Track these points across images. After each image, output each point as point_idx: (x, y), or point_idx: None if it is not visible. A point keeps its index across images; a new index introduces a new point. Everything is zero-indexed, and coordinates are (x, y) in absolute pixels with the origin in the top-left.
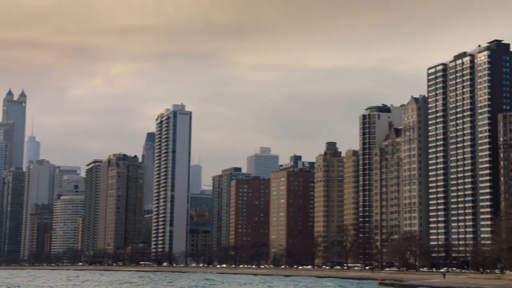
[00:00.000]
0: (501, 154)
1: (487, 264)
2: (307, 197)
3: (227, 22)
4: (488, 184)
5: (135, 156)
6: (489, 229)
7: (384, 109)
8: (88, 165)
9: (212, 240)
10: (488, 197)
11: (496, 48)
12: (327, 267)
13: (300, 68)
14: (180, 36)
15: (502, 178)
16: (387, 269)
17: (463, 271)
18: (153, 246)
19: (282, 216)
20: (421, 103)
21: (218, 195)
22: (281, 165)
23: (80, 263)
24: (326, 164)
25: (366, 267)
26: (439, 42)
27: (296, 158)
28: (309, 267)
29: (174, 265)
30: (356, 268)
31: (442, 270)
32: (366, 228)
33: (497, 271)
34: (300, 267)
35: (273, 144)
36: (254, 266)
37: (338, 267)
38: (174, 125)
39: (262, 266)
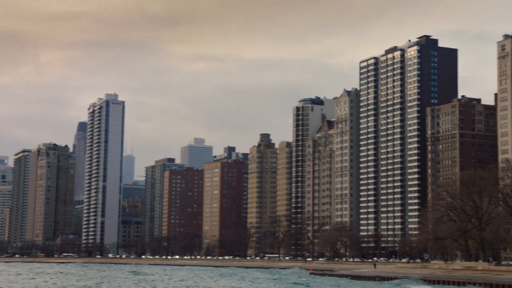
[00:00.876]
0: (429, 147)
1: (414, 254)
2: (241, 188)
3: (162, 11)
4: (416, 176)
5: (66, 146)
6: (416, 220)
7: (317, 101)
8: (16, 154)
9: (145, 231)
10: (415, 188)
11: (425, 43)
12: (260, 258)
13: (235, 60)
14: (113, 24)
15: (429, 170)
16: (320, 259)
17: (390, 260)
18: (83, 238)
19: (215, 207)
20: (353, 96)
21: (151, 186)
22: (215, 156)
23: (6, 255)
24: (259, 156)
25: (299, 258)
26: (372, 36)
27: (230, 149)
28: (242, 257)
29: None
30: (288, 258)
31: (370, 260)
32: (298, 219)
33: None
34: (232, 258)
35: (207, 135)
36: (187, 257)
37: (270, 257)
38: (106, 115)
39: (196, 257)
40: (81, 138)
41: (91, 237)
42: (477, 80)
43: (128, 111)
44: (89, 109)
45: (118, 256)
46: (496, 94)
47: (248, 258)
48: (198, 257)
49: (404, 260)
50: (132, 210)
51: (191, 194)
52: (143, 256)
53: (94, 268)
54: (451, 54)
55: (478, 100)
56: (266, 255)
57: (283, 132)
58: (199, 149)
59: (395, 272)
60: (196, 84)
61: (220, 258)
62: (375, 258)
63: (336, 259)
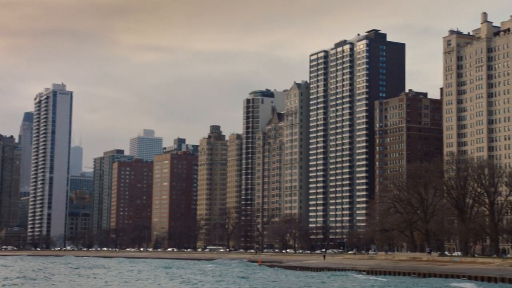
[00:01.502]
0: (377, 140)
1: (361, 245)
2: (191, 180)
3: (111, 1)
4: (364, 168)
5: (11, 136)
6: (364, 211)
7: (268, 93)
8: None
9: (93, 223)
10: (363, 181)
11: (374, 38)
12: (209, 250)
13: (184, 50)
14: (61, 13)
15: (377, 163)
16: (271, 250)
17: (339, 251)
18: (29, 230)
19: (165, 199)
20: (303, 88)
21: (99, 177)
22: (165, 148)
23: None
24: (209, 147)
25: (250, 250)
26: (322, 29)
27: (180, 141)
28: (191, 249)
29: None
30: (241, 250)
31: (319, 252)
32: (248, 211)
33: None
34: (182, 250)
35: (157, 127)
36: (135, 249)
37: (211, 249)
38: (53, 105)
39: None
40: (27, 128)
41: (37, 229)
42: (424, 75)
43: (76, 102)
44: (35, 99)
45: (64, 248)
46: (441, 89)
47: (197, 250)
48: (147, 249)
49: (351, 252)
50: (80, 202)
51: (140, 186)
52: (91, 249)
53: (29, 261)
54: (399, 49)
55: (425, 94)
56: (208, 247)
57: (233, 124)
58: (148, 141)
59: (343, 263)
60: (145, 74)
61: (169, 250)
62: (324, 250)
63: (285, 250)
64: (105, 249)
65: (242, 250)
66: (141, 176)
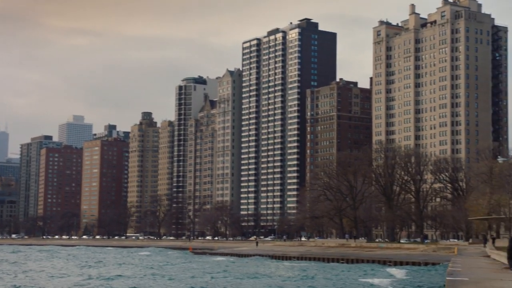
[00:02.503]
0: (308, 128)
1: (292, 232)
2: (121, 167)
3: None
4: (295, 156)
5: None
6: (295, 199)
7: (200, 81)
8: None
9: (19, 210)
10: (295, 169)
11: (306, 26)
12: (140, 237)
13: (115, 35)
14: None
15: (308, 151)
16: (202, 238)
17: (275, 238)
18: None
19: (94, 186)
20: (235, 76)
21: (26, 163)
22: (95, 134)
23: None
24: (141, 134)
25: (184, 237)
26: (255, 16)
27: (111, 127)
28: (122, 237)
29: None
30: (171, 238)
31: (252, 239)
32: (179, 198)
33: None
34: (112, 238)
35: (87, 113)
36: (64, 237)
37: (135, 237)
38: None
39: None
40: None
41: None
42: (354, 64)
43: (1, 86)
44: None
45: None
46: (371, 78)
47: (128, 237)
48: (76, 237)
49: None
50: (6, 189)
51: (70, 172)
52: (17, 236)
53: None
54: (330, 38)
55: (355, 84)
56: (135, 235)
57: (165, 111)
58: (78, 127)
59: (273, 250)
60: (75, 59)
61: (99, 237)
62: (256, 236)
63: (215, 237)
64: (26, 237)
65: (172, 238)
66: (70, 163)
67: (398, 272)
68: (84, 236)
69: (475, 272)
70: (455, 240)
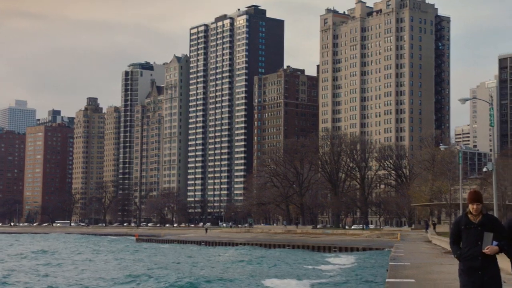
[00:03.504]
0: (255, 115)
1: (239, 219)
2: (66, 153)
3: None
4: (242, 143)
5: None
6: (242, 186)
7: (147, 66)
8: None
9: None
10: (242, 155)
11: (254, 13)
12: (85, 224)
13: (61, 19)
14: None
15: (255, 138)
16: (148, 224)
17: (230, 225)
18: None
19: (38, 172)
20: (183, 62)
21: None
22: (39, 120)
23: None
24: (86, 120)
25: (132, 224)
26: (203, 2)
27: (55, 113)
28: (66, 224)
29: None
30: (116, 224)
31: (200, 226)
32: (125, 185)
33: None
34: (55, 225)
35: (30, 98)
36: (5, 224)
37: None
38: None
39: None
40: None
41: None
42: (301, 51)
43: None
44: None
45: None
46: (318, 66)
47: (72, 224)
48: (18, 224)
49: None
50: None
51: (12, 158)
52: None
53: None
54: (278, 25)
55: (302, 71)
56: (74, 222)
57: (111, 97)
58: (20, 112)
59: (220, 237)
60: (18, 42)
61: (43, 224)
62: (206, 223)
63: (163, 224)
64: None
65: (116, 224)
66: (13, 149)
67: (343, 258)
68: (26, 224)
69: (417, 257)
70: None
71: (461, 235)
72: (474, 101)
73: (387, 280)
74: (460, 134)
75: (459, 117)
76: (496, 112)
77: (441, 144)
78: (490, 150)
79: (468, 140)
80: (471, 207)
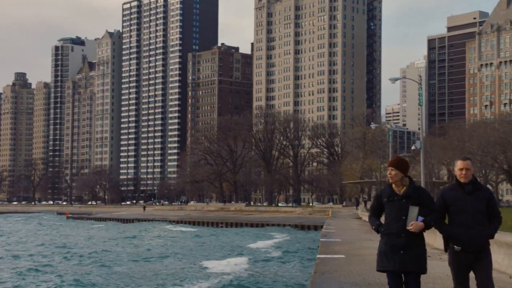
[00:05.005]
0: (189, 93)
1: (172, 196)
2: None
3: None
4: (176, 121)
5: None
6: (175, 163)
7: (78, 41)
8: None
9: None
10: (176, 133)
11: None
12: (14, 202)
13: None
14: None
15: (189, 115)
16: (79, 202)
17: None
18: None
19: None
20: (115, 38)
21: None
22: None
23: None
24: (14, 96)
25: (59, 202)
26: None
27: None
28: None
29: None
30: (44, 203)
31: (129, 203)
32: (56, 162)
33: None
34: None
35: None
36: None
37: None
38: None
39: None
40: None
41: None
42: (236, 29)
43: None
44: None
45: None
46: (252, 44)
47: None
48: None
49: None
50: None
51: None
52: None
53: None
54: (213, 2)
55: (236, 49)
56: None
57: (41, 72)
58: None
59: (153, 215)
60: None
61: None
62: (145, 202)
63: (95, 202)
64: None
65: (45, 202)
66: None
67: (276, 235)
68: None
69: (347, 233)
70: (331, 203)
71: (383, 209)
72: (404, 81)
73: (318, 256)
74: (390, 113)
75: (390, 96)
76: (425, 92)
77: (372, 123)
78: (419, 128)
79: (398, 119)
80: (388, 173)
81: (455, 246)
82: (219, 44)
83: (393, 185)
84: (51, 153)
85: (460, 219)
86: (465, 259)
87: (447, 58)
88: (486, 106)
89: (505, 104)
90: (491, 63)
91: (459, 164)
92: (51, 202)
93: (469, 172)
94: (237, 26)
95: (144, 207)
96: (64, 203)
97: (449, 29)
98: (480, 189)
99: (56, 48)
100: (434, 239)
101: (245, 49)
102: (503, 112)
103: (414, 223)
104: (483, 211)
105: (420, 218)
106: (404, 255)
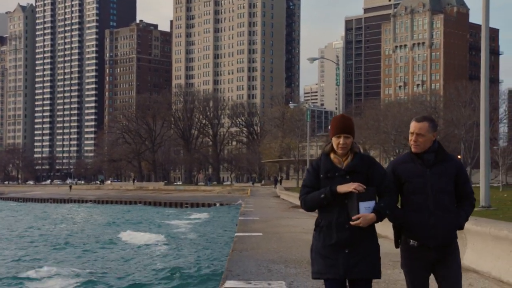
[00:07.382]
0: (107, 70)
1: (89, 176)
2: None
3: None
4: (93, 98)
5: None
6: (92, 142)
7: None
8: None
9: None
10: (93, 111)
11: None
12: None
13: None
14: None
15: (106, 93)
16: None
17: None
18: None
19: None
20: (28, 12)
21: None
22: None
23: None
24: None
25: None
26: None
27: None
28: None
29: None
30: None
31: (44, 183)
32: None
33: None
34: None
35: None
36: None
37: None
38: None
39: None
40: None
41: None
42: (154, 6)
43: None
44: None
45: None
46: (171, 22)
47: None
48: None
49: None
50: None
51: None
52: None
53: None
54: None
55: (156, 26)
56: None
57: None
58: None
59: (69, 194)
60: None
61: None
62: (69, 180)
63: (8, 182)
64: None
65: None
66: None
67: (196, 214)
68: None
69: (266, 211)
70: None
71: (319, 188)
72: (322, 61)
73: (236, 234)
74: (309, 93)
75: (308, 76)
76: (342, 72)
77: (290, 102)
78: (336, 108)
79: (316, 99)
80: (336, 143)
81: (410, 240)
82: (138, 21)
83: (332, 155)
84: None
85: (417, 202)
86: (424, 257)
87: (363, 39)
88: (400, 86)
89: (418, 85)
90: (405, 45)
91: (411, 126)
92: None
93: (422, 139)
94: (156, 3)
95: (71, 186)
96: None
97: (366, 10)
98: (445, 159)
99: None
100: (388, 228)
101: (164, 26)
102: (416, 93)
103: (362, 215)
104: (450, 191)
105: (369, 204)
106: (349, 255)
